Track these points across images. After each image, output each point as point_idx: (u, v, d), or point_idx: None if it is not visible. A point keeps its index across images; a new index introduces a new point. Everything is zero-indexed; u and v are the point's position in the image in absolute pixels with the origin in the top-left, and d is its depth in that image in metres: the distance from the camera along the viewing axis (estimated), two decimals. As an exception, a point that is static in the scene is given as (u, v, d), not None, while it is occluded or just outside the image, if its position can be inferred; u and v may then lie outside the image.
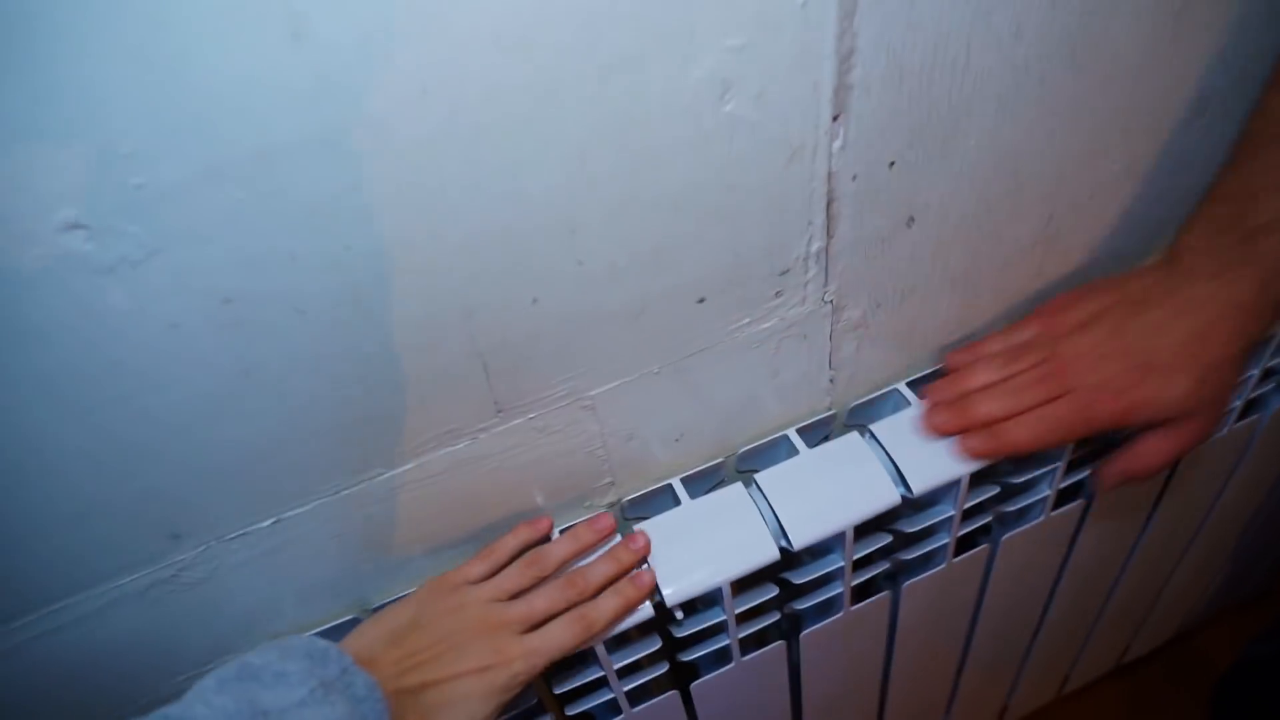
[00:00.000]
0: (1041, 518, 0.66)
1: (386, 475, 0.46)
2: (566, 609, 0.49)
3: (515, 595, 0.49)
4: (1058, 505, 0.66)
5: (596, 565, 0.50)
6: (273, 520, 0.46)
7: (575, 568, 0.51)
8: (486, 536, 0.53)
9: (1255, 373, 0.63)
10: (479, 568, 0.50)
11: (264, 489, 0.44)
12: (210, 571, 0.46)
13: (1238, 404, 0.67)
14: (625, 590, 0.50)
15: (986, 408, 0.53)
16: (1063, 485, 0.63)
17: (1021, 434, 0.52)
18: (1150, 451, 0.53)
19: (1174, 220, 0.61)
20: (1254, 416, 0.71)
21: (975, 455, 0.54)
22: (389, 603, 0.53)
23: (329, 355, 0.40)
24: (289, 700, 0.38)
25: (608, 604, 0.49)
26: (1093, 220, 0.57)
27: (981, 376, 0.55)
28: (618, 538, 0.53)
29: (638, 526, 0.54)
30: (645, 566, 0.52)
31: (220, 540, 0.45)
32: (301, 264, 0.36)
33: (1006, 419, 0.53)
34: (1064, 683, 1.07)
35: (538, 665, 0.46)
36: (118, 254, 0.33)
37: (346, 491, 0.46)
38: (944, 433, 0.54)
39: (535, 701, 0.55)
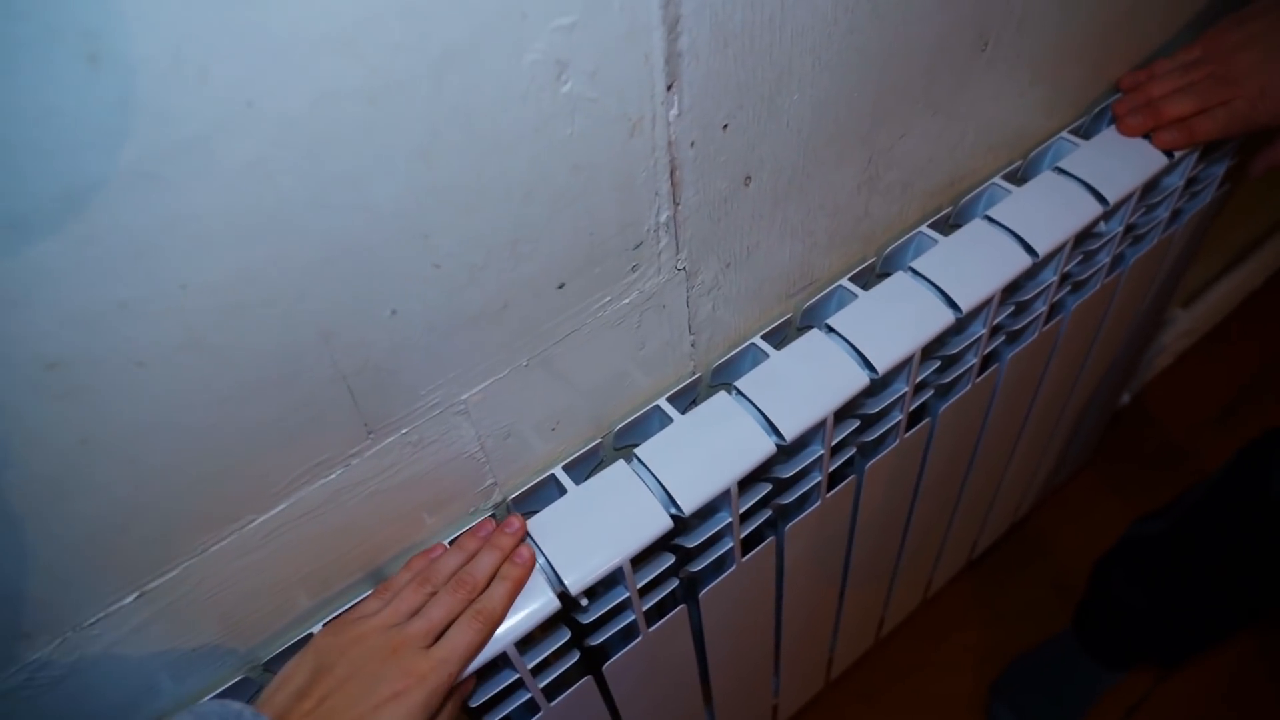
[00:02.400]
0: (896, 442, 0.70)
1: (259, 520, 0.43)
2: (463, 610, 0.48)
3: (413, 615, 0.47)
4: (909, 428, 0.71)
5: (480, 559, 0.50)
6: (136, 594, 0.41)
7: (463, 570, 0.50)
8: (376, 563, 0.51)
9: (1054, 279, 0.70)
10: (375, 603, 0.48)
11: (123, 563, 0.40)
12: (71, 666, 0.42)
13: (1043, 309, 0.73)
14: (510, 573, 0.50)
15: (1177, 107, 0.67)
16: (912, 408, 0.68)
17: (1209, 125, 0.66)
18: None
19: (979, 154, 0.66)
20: (1057, 319, 0.78)
21: (1171, 147, 0.67)
22: (281, 654, 0.49)
23: (178, 407, 0.36)
24: None
25: (498, 591, 0.49)
26: (906, 158, 0.61)
27: (1164, 85, 0.68)
28: None
29: (528, 522, 0.53)
30: (525, 543, 0.52)
31: (78, 629, 0.41)
32: (133, 312, 0.32)
33: (1193, 116, 0.66)
34: (928, 587, 1.15)
35: (452, 673, 0.46)
36: (-91, 333, 0.28)
37: (216, 547, 0.43)
38: (1140, 132, 0.68)
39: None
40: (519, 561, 0.51)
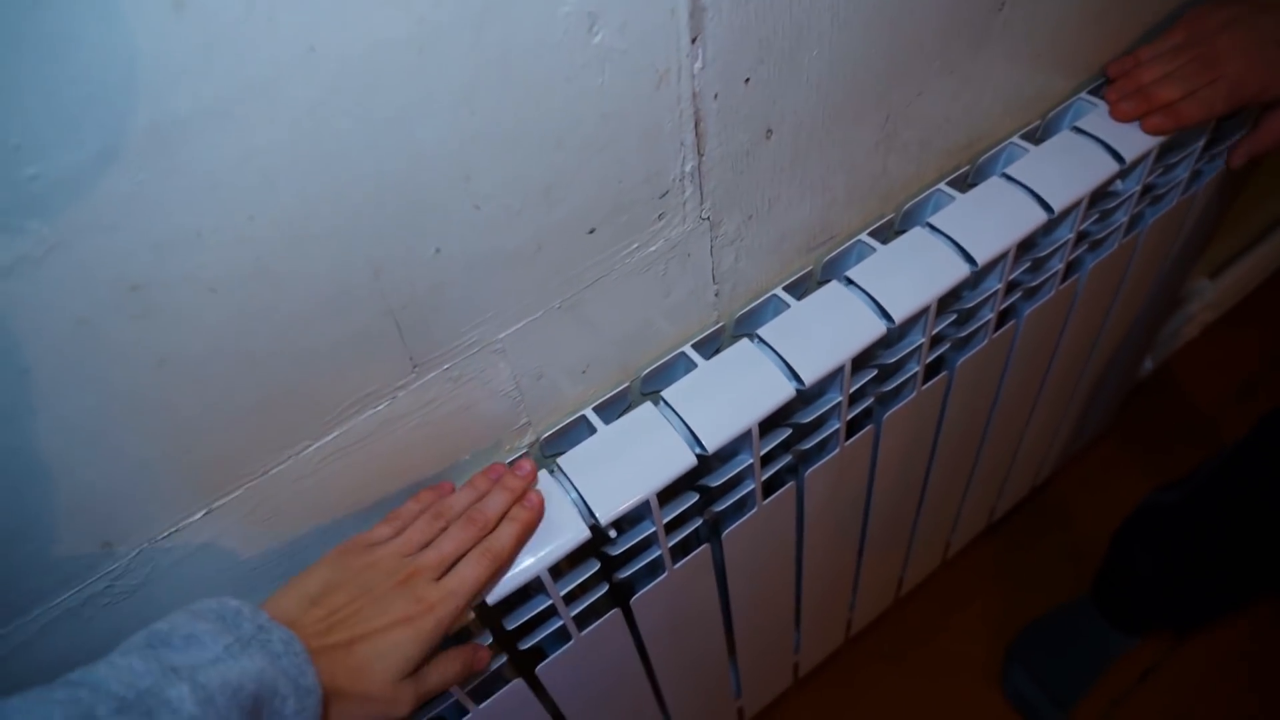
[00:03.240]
0: (913, 394, 0.73)
1: (314, 447, 0.47)
2: (473, 547, 0.50)
3: (424, 547, 0.49)
4: (927, 380, 0.73)
5: (491, 499, 0.52)
6: (204, 511, 0.45)
7: (474, 508, 0.51)
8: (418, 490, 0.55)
9: (1070, 237, 0.72)
10: (385, 530, 0.50)
11: (192, 481, 0.44)
12: (145, 576, 0.46)
13: (1060, 267, 0.75)
14: (519, 515, 0.52)
15: (1166, 93, 0.69)
16: (929, 360, 0.70)
17: (1194, 109, 0.68)
18: (1274, 127, 0.72)
19: (996, 115, 0.68)
20: (1074, 277, 0.80)
21: (1159, 132, 0.69)
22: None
23: (245, 332, 0.40)
24: (202, 659, 0.36)
25: (507, 531, 0.51)
26: (922, 117, 0.63)
27: (1153, 71, 0.70)
28: None
29: (560, 460, 0.56)
30: (535, 488, 0.54)
31: (153, 542, 0.44)
32: (208, 240, 0.36)
33: (1180, 100, 0.68)
34: (946, 549, 1.18)
35: (460, 606, 0.47)
36: (16, 253, 0.32)
37: (275, 470, 0.46)
38: (1133, 117, 0.70)
39: (490, 642, 0.57)
40: (529, 505, 0.52)
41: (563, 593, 0.57)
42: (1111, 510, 1.28)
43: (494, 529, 0.51)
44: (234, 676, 0.36)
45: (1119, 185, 0.74)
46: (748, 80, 0.49)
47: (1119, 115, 0.70)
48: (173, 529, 0.45)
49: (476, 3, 0.36)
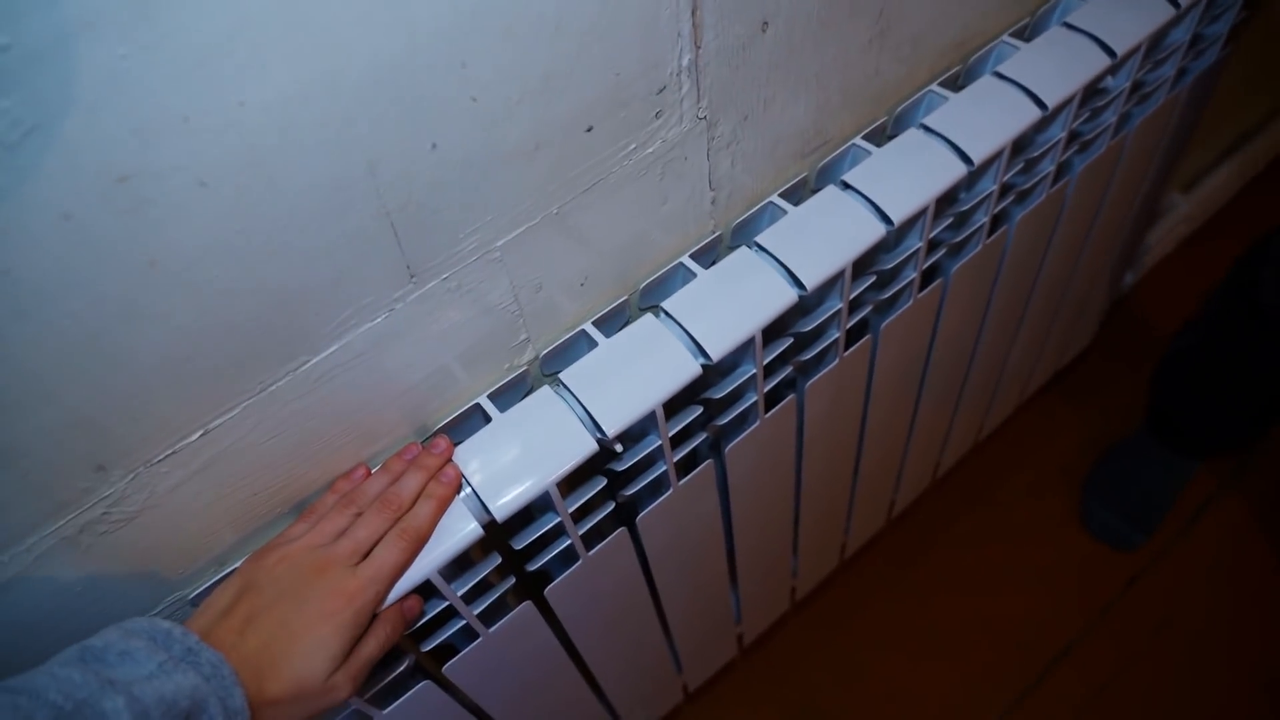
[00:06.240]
0: (910, 302, 0.72)
1: (312, 362, 0.45)
2: (390, 529, 0.48)
3: (339, 536, 0.48)
4: (922, 287, 0.72)
5: (406, 479, 0.50)
6: (200, 432, 0.43)
7: (389, 490, 0.50)
8: (418, 419, 0.53)
9: (1062, 136, 0.71)
10: (300, 527, 0.49)
11: (188, 398, 0.42)
12: (142, 502, 0.44)
13: (1051, 169, 0.74)
14: (436, 491, 0.50)
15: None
16: (925, 266, 0.69)
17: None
18: None
19: (987, 10, 0.67)
20: (1064, 180, 0.79)
21: None
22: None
23: (237, 232, 0.37)
24: (137, 674, 0.37)
25: (424, 509, 0.49)
26: (915, 12, 0.61)
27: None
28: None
29: (563, 375, 0.55)
30: (452, 463, 0.52)
31: (149, 465, 0.43)
32: (196, 126, 0.33)
33: None
34: (936, 469, 1.18)
35: (380, 591, 0.47)
36: (-10, 137, 0.29)
37: (273, 387, 0.44)
38: None
39: (499, 563, 0.56)
40: (445, 480, 0.51)
41: (570, 509, 0.56)
42: (1099, 423, 1.30)
43: (410, 509, 0.49)
44: (169, 692, 0.37)
45: (1109, 81, 0.73)
46: (744, -36, 0.47)
47: None
48: (169, 451, 0.43)
49: None
